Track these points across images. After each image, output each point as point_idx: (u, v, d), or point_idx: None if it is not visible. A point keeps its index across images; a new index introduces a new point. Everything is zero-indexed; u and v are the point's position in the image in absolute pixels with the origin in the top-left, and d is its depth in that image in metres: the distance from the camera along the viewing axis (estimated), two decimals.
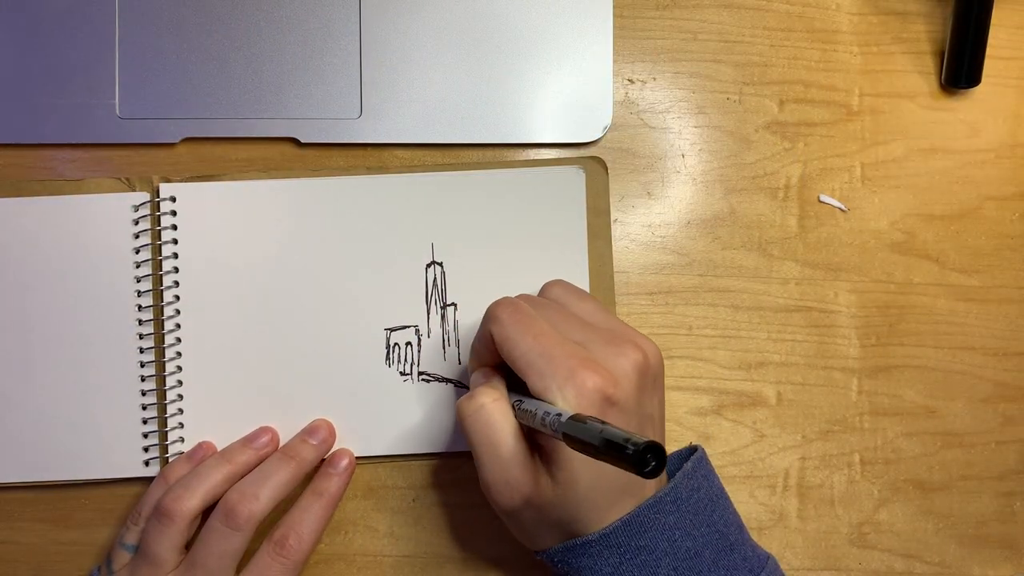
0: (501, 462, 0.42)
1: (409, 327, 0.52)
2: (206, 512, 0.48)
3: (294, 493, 0.49)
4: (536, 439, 0.44)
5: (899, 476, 0.54)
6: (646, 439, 0.34)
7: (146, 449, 0.51)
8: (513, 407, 0.43)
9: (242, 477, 0.49)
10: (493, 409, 0.43)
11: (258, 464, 0.50)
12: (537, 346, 0.42)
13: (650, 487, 0.44)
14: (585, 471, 0.42)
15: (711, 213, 0.54)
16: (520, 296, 0.46)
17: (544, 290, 0.48)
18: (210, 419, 0.51)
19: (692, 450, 0.48)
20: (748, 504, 0.53)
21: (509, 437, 0.42)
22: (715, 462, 0.53)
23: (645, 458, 0.34)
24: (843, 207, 0.54)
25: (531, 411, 0.41)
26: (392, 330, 0.52)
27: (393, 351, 0.52)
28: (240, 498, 0.47)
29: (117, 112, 0.52)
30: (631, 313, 0.53)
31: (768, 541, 0.53)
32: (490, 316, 0.44)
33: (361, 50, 0.53)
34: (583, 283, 0.52)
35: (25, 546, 0.52)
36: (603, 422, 0.36)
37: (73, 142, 0.52)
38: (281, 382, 0.52)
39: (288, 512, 0.49)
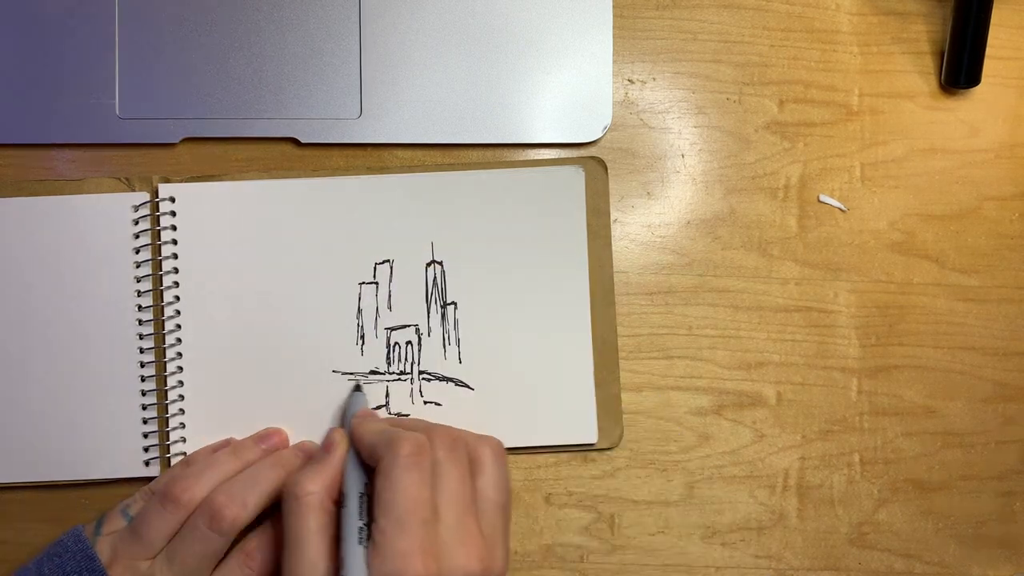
0: (300, 558, 0.43)
1: (409, 326, 0.52)
2: None
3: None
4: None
5: (899, 476, 0.54)
6: None
7: (146, 449, 0.51)
8: (342, 501, 0.44)
9: None
10: (306, 503, 0.44)
11: None
12: (401, 506, 0.42)
13: None
14: None
15: (711, 213, 0.54)
16: (450, 432, 0.46)
17: (479, 443, 0.46)
18: (210, 419, 0.51)
19: None
20: (748, 504, 0.53)
21: (314, 537, 0.43)
22: (715, 462, 0.53)
23: None
24: (843, 207, 0.54)
25: (349, 534, 0.43)
26: (392, 329, 0.52)
27: (393, 350, 0.52)
28: (228, 501, 0.46)
29: (117, 112, 0.52)
30: (631, 313, 0.54)
31: (768, 541, 0.53)
32: (392, 444, 0.43)
33: (361, 50, 0.53)
34: (583, 283, 0.52)
35: (25, 546, 0.52)
36: None
37: (73, 142, 0.52)
38: (281, 381, 0.52)
39: (262, 526, 0.49)
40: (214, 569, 0.48)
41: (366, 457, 0.46)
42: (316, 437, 0.51)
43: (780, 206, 0.54)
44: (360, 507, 0.44)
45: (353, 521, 0.43)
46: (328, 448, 0.47)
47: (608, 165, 0.53)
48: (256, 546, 0.48)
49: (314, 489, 0.44)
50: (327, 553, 0.43)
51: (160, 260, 0.51)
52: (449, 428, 0.47)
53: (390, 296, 0.52)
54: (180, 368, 0.51)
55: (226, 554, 0.48)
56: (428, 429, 0.46)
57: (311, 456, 0.50)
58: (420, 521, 0.42)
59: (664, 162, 0.54)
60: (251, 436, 0.51)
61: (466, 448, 0.45)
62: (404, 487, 0.42)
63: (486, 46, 0.53)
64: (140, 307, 0.52)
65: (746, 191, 0.54)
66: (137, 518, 0.48)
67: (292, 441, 0.51)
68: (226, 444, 0.51)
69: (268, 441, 0.50)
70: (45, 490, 0.52)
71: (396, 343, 0.52)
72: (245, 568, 0.48)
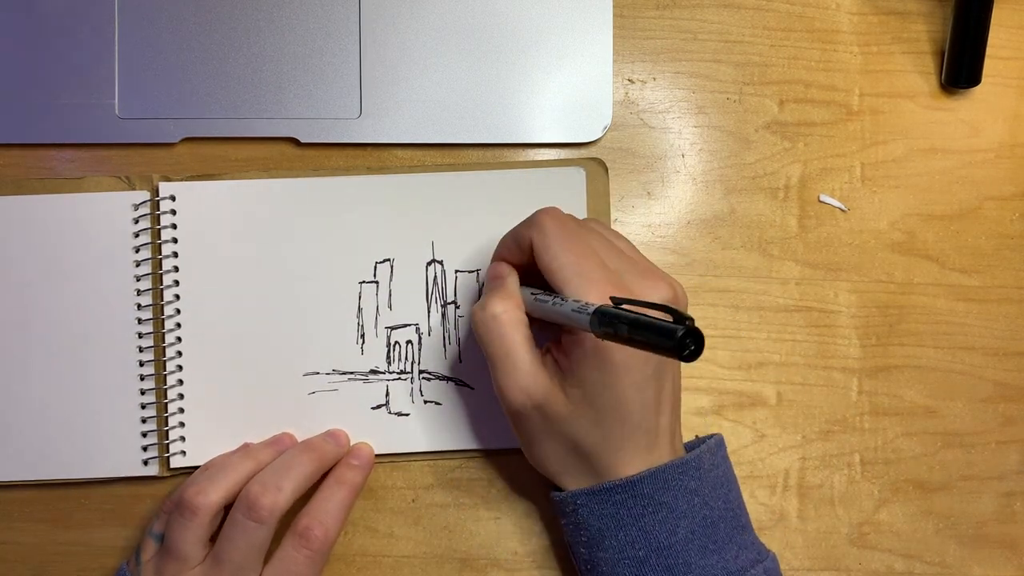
0: (515, 370, 0.44)
1: (410, 325, 0.52)
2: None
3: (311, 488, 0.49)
4: (554, 354, 0.45)
5: (899, 476, 0.54)
6: (687, 318, 0.35)
7: (145, 448, 0.51)
8: (531, 299, 0.45)
9: None
10: (505, 320, 0.44)
11: None
12: (577, 264, 0.43)
13: (664, 440, 0.45)
14: (600, 395, 0.43)
15: (711, 213, 0.54)
16: (565, 214, 0.47)
17: (583, 222, 0.48)
18: (210, 419, 0.51)
19: (708, 438, 0.49)
20: (748, 504, 0.53)
21: (521, 348, 0.44)
22: None
23: (684, 341, 0.34)
24: (843, 207, 0.54)
25: (554, 304, 0.42)
26: (393, 328, 0.52)
27: (394, 349, 0.52)
28: (262, 490, 0.46)
29: (117, 112, 0.52)
30: None
31: (768, 541, 0.53)
32: (535, 223, 0.45)
33: (361, 50, 0.53)
34: None
35: (24, 546, 0.52)
36: (636, 307, 0.37)
37: (73, 142, 0.52)
38: (281, 380, 0.52)
39: (310, 503, 0.49)
40: (267, 560, 0.47)
41: (517, 255, 0.46)
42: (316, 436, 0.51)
43: (780, 206, 0.54)
44: (547, 295, 0.44)
45: (550, 304, 0.43)
46: (498, 276, 0.47)
47: (608, 165, 0.53)
48: (307, 525, 0.47)
49: (506, 306, 0.45)
50: (540, 361, 0.44)
51: (160, 259, 0.51)
52: (555, 208, 0.47)
53: (390, 295, 0.52)
54: (180, 367, 0.51)
55: (277, 544, 0.48)
56: (548, 208, 0.46)
57: (340, 442, 0.51)
58: (597, 266, 0.43)
59: (664, 162, 0.54)
60: (264, 441, 0.51)
61: (580, 219, 0.48)
62: (566, 247, 0.44)
63: (486, 46, 0.53)
64: (140, 306, 0.52)
65: (746, 191, 0.54)
66: (165, 537, 0.48)
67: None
68: (241, 450, 0.51)
69: (281, 444, 0.50)
70: (44, 489, 0.52)
71: (396, 342, 0.52)
72: (302, 550, 0.47)
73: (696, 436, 0.51)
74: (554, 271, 0.44)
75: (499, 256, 0.48)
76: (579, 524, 0.46)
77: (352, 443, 0.52)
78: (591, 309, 0.39)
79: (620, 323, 0.37)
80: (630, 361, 0.43)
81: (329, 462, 0.50)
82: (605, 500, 0.45)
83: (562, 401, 0.44)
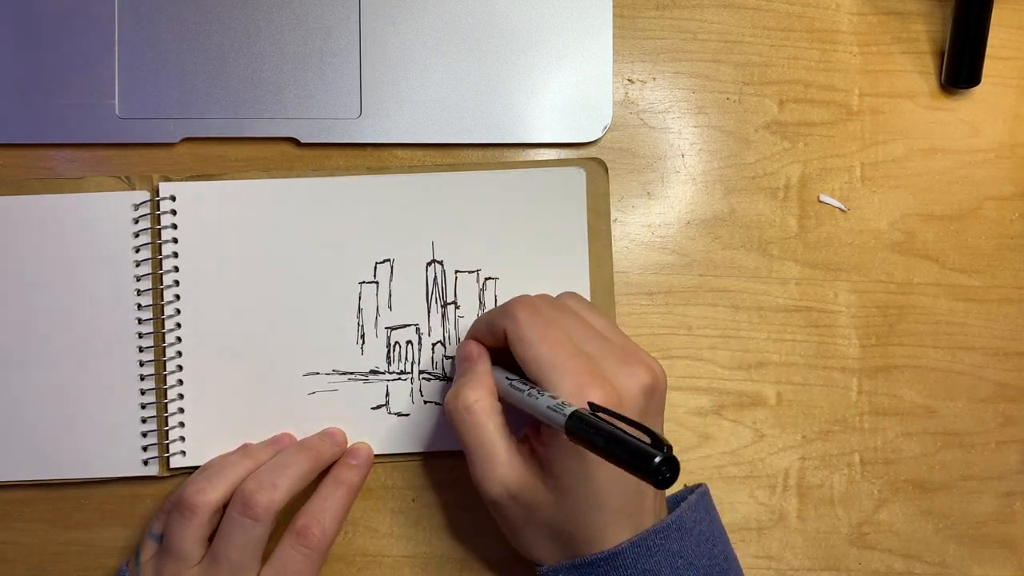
0: (491, 462, 0.44)
1: (410, 326, 0.52)
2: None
3: (310, 487, 0.49)
4: (531, 442, 0.44)
5: (899, 476, 0.54)
6: (666, 444, 0.34)
7: (145, 448, 0.51)
8: (506, 385, 0.44)
9: None
10: (478, 410, 0.44)
11: None
12: (550, 355, 0.43)
13: (648, 515, 0.44)
14: (579, 485, 0.42)
15: (711, 213, 0.54)
16: (539, 297, 0.47)
17: (561, 298, 0.48)
18: (210, 419, 0.51)
19: (693, 488, 0.48)
20: (748, 504, 0.53)
21: (497, 438, 0.44)
22: (715, 462, 0.53)
23: (660, 468, 0.33)
24: (843, 207, 0.54)
25: (529, 395, 0.42)
26: (393, 329, 0.52)
27: (394, 350, 0.52)
28: (258, 487, 0.46)
29: (117, 112, 0.52)
30: (631, 313, 0.53)
31: (768, 541, 0.53)
32: (508, 313, 0.45)
33: (361, 50, 0.53)
34: (583, 283, 0.52)
35: (24, 546, 0.52)
36: (612, 424, 0.36)
37: (73, 142, 0.52)
38: (280, 380, 0.52)
39: (308, 502, 0.49)
40: (266, 559, 0.47)
41: (491, 341, 0.46)
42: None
43: (780, 206, 0.54)
44: (523, 384, 0.44)
45: (525, 395, 0.43)
46: (468, 359, 0.47)
47: (608, 165, 0.53)
48: (306, 524, 0.47)
49: (479, 395, 0.44)
50: (516, 449, 0.44)
51: (160, 259, 0.51)
52: (529, 295, 0.47)
53: (390, 295, 0.52)
54: (180, 367, 0.51)
55: (275, 542, 0.48)
56: (522, 297, 0.46)
57: (337, 441, 0.50)
58: (572, 356, 0.43)
59: (664, 162, 0.54)
60: (263, 441, 0.51)
61: (557, 301, 0.47)
62: (540, 339, 0.43)
63: (486, 46, 0.53)
64: (140, 305, 0.52)
65: (746, 191, 0.54)
66: (164, 536, 0.48)
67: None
68: (240, 450, 0.51)
69: (280, 444, 0.50)
70: (44, 490, 0.52)
71: (396, 342, 0.52)
72: (302, 548, 0.47)
73: (684, 485, 0.51)
74: (528, 362, 0.43)
75: (472, 337, 0.48)
76: None
77: (351, 443, 0.52)
78: (567, 411, 0.38)
79: (596, 434, 0.36)
80: None
81: (326, 461, 0.50)
82: (587, 573, 0.44)
83: (540, 490, 0.43)
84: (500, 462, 0.44)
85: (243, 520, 0.46)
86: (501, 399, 0.46)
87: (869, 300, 0.54)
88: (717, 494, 0.53)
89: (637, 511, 0.44)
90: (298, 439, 0.51)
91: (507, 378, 0.45)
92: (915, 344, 0.54)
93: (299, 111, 0.53)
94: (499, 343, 0.46)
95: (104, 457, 0.51)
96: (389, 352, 0.52)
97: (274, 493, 0.46)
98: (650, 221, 0.54)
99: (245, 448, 0.50)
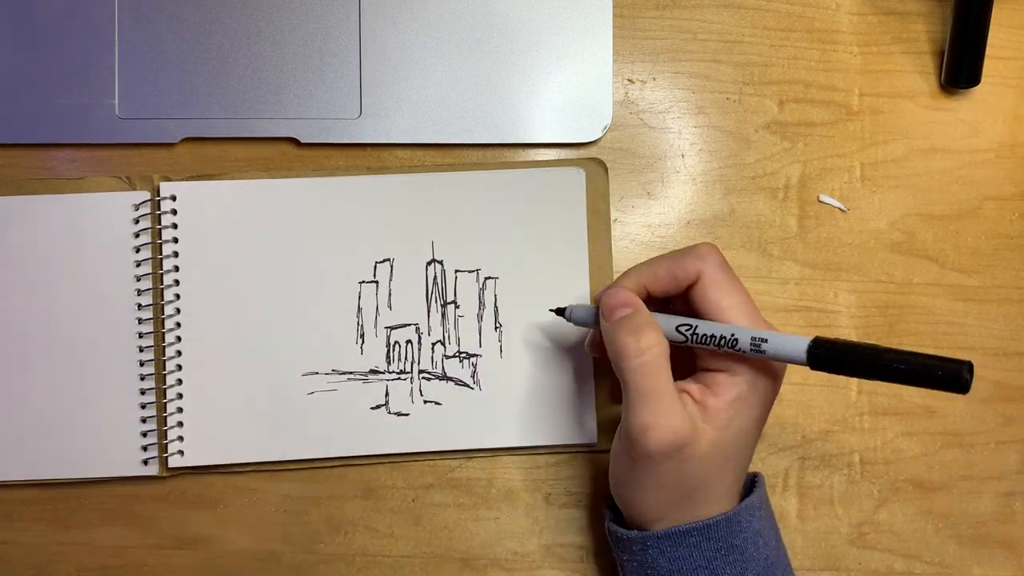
0: (666, 409, 0.42)
1: (409, 325, 0.52)
2: None
3: None
4: (692, 394, 0.44)
5: (899, 476, 0.54)
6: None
7: (145, 448, 0.51)
8: (681, 333, 0.44)
9: None
10: (657, 354, 0.43)
11: None
12: (747, 304, 0.44)
13: (739, 487, 0.46)
14: (735, 438, 0.44)
15: (711, 213, 0.54)
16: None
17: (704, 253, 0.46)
18: (209, 419, 0.51)
19: (753, 475, 0.48)
20: None
21: (671, 386, 0.43)
22: None
23: (968, 377, 0.38)
24: (843, 207, 0.54)
25: (721, 336, 0.43)
26: (392, 328, 0.52)
27: (393, 349, 0.52)
28: None
29: (117, 112, 0.52)
30: None
31: None
32: (703, 255, 0.44)
33: (361, 50, 0.53)
34: (583, 283, 0.52)
35: (24, 546, 0.52)
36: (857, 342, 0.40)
37: (73, 142, 0.52)
38: (280, 380, 0.52)
39: None
40: None
41: (675, 280, 0.45)
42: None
43: (780, 206, 0.54)
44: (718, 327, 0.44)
45: (718, 337, 0.43)
46: (629, 304, 0.45)
47: (608, 165, 0.53)
48: None
49: (655, 340, 0.43)
50: (682, 400, 0.43)
51: (160, 259, 0.52)
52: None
53: (390, 295, 0.52)
54: (179, 367, 0.51)
55: None
56: (702, 244, 0.46)
57: None
58: (756, 309, 0.44)
59: (664, 162, 0.54)
60: None
61: None
62: (736, 287, 0.44)
63: (486, 46, 0.53)
64: (140, 306, 0.52)
65: (746, 191, 0.54)
66: None
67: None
68: None
69: None
70: (44, 489, 0.52)
71: (396, 342, 0.52)
72: None
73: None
74: (730, 308, 0.43)
75: (632, 283, 0.46)
76: (645, 563, 0.45)
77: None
78: (802, 343, 0.41)
79: (886, 358, 0.39)
80: (762, 401, 0.44)
81: None
82: (679, 543, 0.44)
83: (703, 442, 0.43)
84: (675, 411, 0.42)
85: None
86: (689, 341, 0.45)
87: (869, 300, 0.54)
88: None
89: (747, 468, 0.46)
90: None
91: (684, 324, 0.44)
92: (915, 344, 0.54)
93: (299, 111, 0.53)
94: (680, 286, 0.45)
95: (104, 457, 0.51)
96: (389, 352, 0.52)
97: None
98: (650, 221, 0.54)
99: None
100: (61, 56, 0.52)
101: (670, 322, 0.44)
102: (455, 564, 0.53)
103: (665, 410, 0.42)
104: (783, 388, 0.53)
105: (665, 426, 0.42)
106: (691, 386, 0.44)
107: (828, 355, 0.40)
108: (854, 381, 0.54)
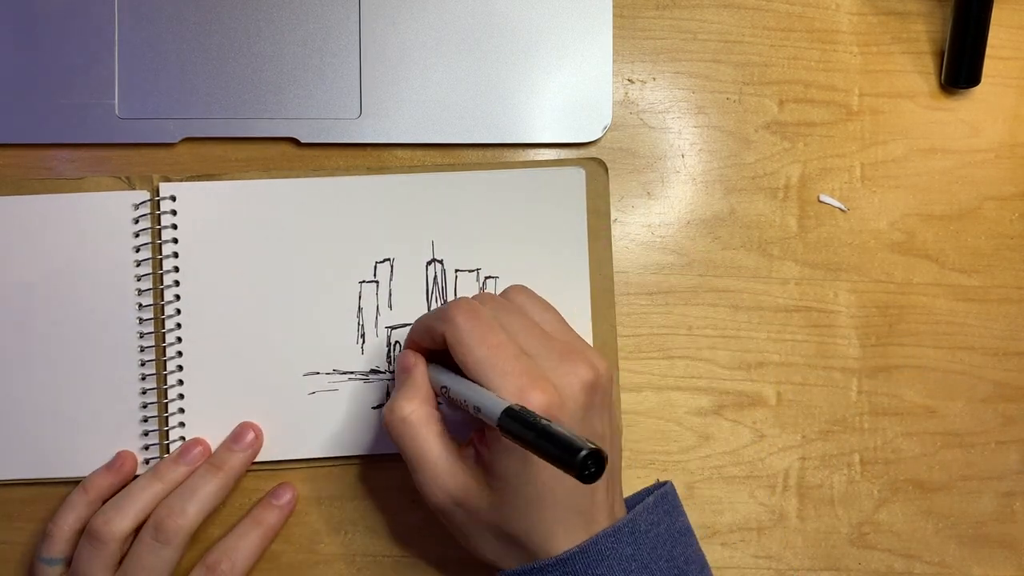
0: (431, 470, 0.44)
1: (410, 325, 0.52)
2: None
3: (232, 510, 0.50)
4: (476, 446, 0.44)
5: (899, 476, 0.54)
6: (592, 444, 0.34)
7: (146, 447, 0.51)
8: (443, 394, 0.44)
9: None
10: (415, 420, 0.44)
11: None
12: (490, 358, 0.42)
13: (601, 514, 0.44)
14: (523, 486, 0.42)
15: (711, 213, 0.54)
16: (481, 295, 0.46)
17: (507, 292, 0.47)
18: (209, 417, 0.51)
19: (661, 485, 0.48)
20: (748, 504, 0.53)
21: (435, 447, 0.44)
22: (715, 462, 0.53)
23: (586, 461, 0.34)
24: (843, 207, 0.54)
25: (465, 398, 0.42)
26: (393, 328, 0.52)
27: (394, 349, 0.52)
28: (168, 513, 0.48)
29: (117, 112, 0.52)
30: (631, 313, 0.53)
31: (768, 541, 0.53)
32: (446, 317, 0.44)
33: (361, 50, 0.53)
34: (583, 283, 0.52)
35: (24, 546, 0.52)
36: (547, 420, 0.37)
37: (73, 142, 0.52)
38: (280, 381, 0.52)
39: (224, 537, 0.50)
40: None
41: (430, 344, 0.46)
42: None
43: (780, 206, 0.54)
44: (463, 386, 0.44)
45: (462, 398, 0.43)
46: (405, 370, 0.46)
47: (608, 165, 0.53)
48: (216, 559, 0.49)
49: (414, 406, 0.44)
50: (458, 455, 0.44)
51: (160, 259, 0.51)
52: (475, 295, 0.47)
53: (390, 295, 0.52)
54: (180, 367, 0.51)
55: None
56: (460, 299, 0.46)
57: (246, 442, 0.50)
58: (512, 357, 0.42)
59: (664, 162, 0.54)
60: (170, 455, 0.51)
61: (501, 299, 0.47)
62: (479, 341, 0.43)
63: (486, 46, 0.53)
64: (140, 305, 0.52)
65: (746, 191, 0.54)
66: (73, 565, 0.48)
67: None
68: (118, 460, 0.51)
69: (188, 456, 0.50)
70: (44, 488, 0.52)
71: (397, 342, 0.52)
72: None
73: (657, 480, 0.51)
74: (468, 366, 0.43)
75: (412, 342, 0.47)
76: None
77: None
78: (501, 408, 0.38)
79: (526, 428, 0.36)
80: None
81: (236, 474, 0.50)
82: None
83: (486, 494, 0.43)
84: (441, 470, 0.43)
85: (154, 544, 0.47)
86: (448, 403, 0.45)
87: (869, 300, 0.54)
88: (717, 494, 0.53)
89: (588, 509, 0.43)
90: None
91: (443, 386, 0.44)
92: (915, 344, 0.54)
93: (299, 111, 0.53)
94: (439, 347, 0.45)
95: (105, 456, 0.51)
96: (389, 351, 0.52)
97: (183, 519, 0.48)
98: (650, 221, 0.54)
99: (156, 470, 0.50)
100: (61, 56, 0.52)
101: (440, 381, 0.45)
102: (455, 564, 0.53)
103: (430, 471, 0.44)
104: (784, 388, 0.54)
105: (432, 485, 0.44)
106: (478, 437, 0.45)
107: (512, 426, 0.38)
108: (854, 381, 0.54)
